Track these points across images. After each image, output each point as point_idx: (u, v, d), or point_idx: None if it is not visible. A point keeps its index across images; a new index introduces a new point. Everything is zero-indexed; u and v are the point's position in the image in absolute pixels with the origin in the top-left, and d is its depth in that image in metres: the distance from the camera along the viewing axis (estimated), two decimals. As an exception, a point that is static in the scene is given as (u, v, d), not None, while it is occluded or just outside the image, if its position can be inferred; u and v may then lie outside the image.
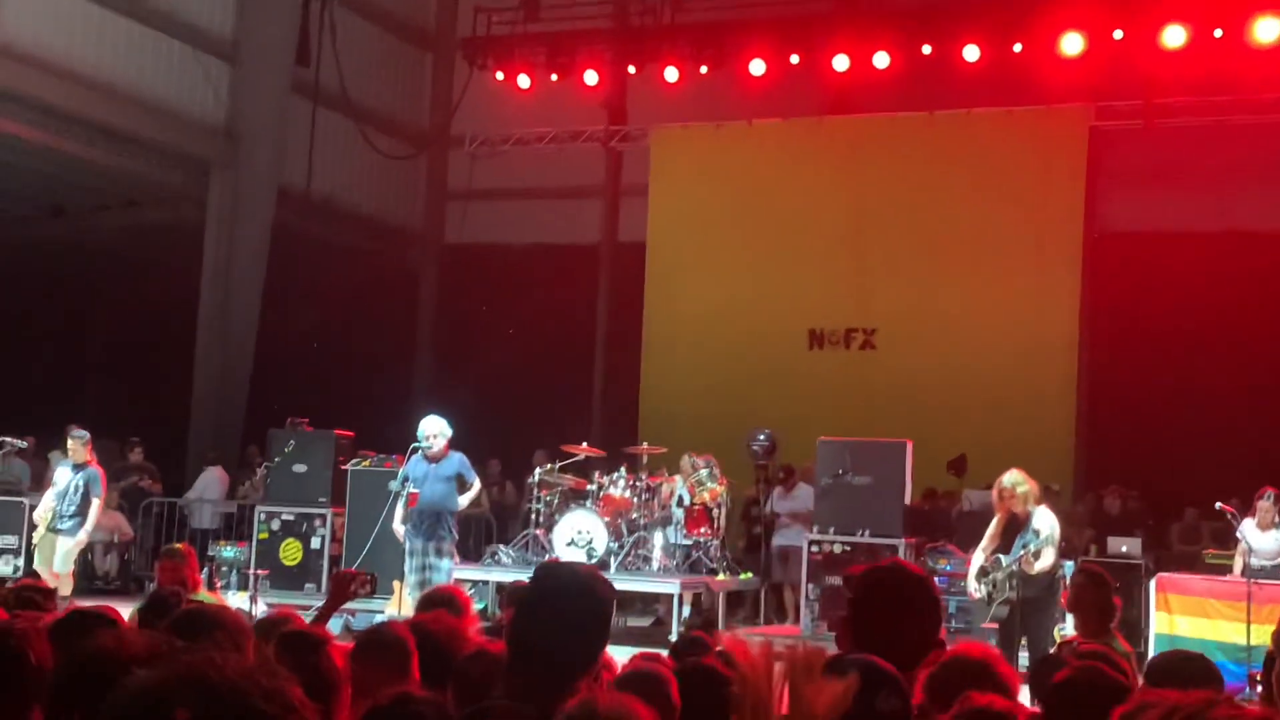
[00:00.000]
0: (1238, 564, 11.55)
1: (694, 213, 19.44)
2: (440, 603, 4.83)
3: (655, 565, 13.50)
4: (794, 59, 17.79)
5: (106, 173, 18.14)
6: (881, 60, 17.32)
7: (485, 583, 13.42)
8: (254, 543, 14.66)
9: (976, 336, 17.52)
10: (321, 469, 14.70)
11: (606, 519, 13.37)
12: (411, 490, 11.19)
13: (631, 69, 19.18)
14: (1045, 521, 9.10)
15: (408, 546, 11.24)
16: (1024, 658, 8.97)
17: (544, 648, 2.87)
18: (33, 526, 12.63)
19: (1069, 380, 17.46)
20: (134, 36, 17.30)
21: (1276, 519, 11.43)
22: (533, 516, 14.23)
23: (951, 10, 17.10)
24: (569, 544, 13.26)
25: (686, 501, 14.14)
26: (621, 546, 13.42)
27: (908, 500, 13.16)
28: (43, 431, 14.89)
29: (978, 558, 9.41)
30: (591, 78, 19.17)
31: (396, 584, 11.73)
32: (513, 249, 21.34)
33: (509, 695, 2.90)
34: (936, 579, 12.63)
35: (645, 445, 14.89)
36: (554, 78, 19.26)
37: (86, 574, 15.81)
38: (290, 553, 14.58)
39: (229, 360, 18.59)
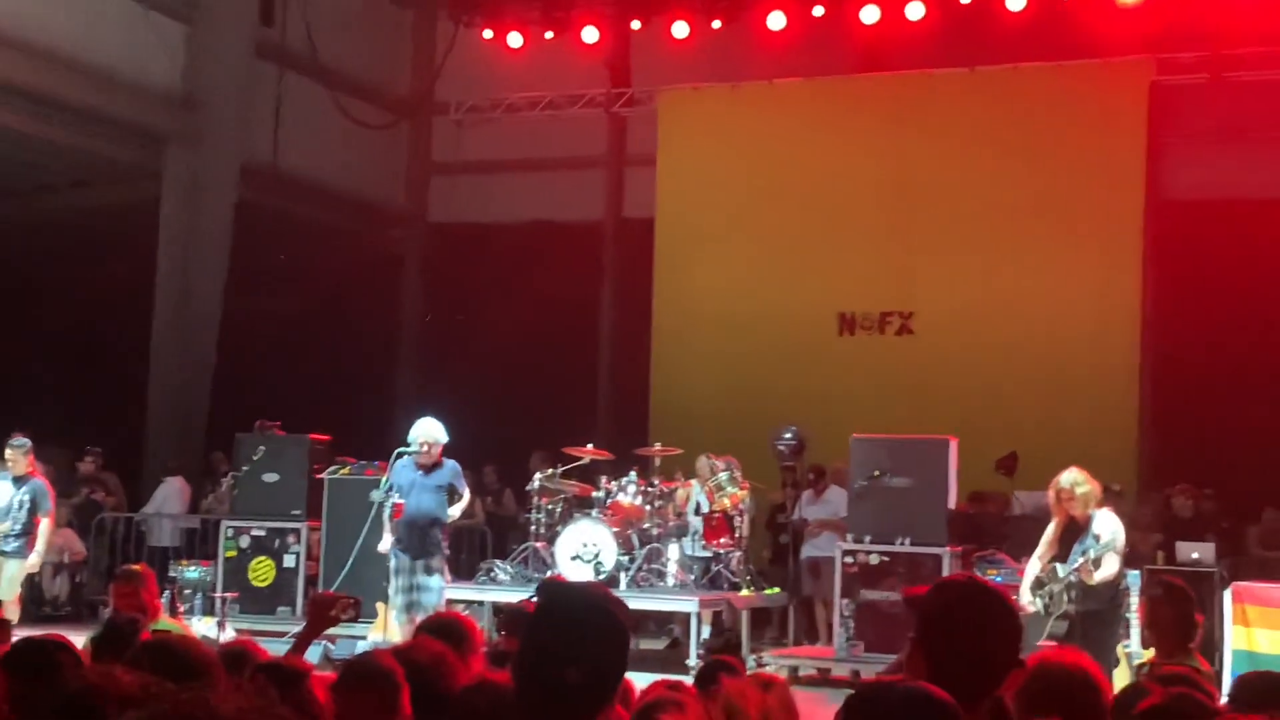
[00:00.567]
0: (1324, 570, 11.52)
1: (708, 184, 19.41)
2: (440, 631, 4.80)
3: (670, 580, 13.51)
4: (818, 10, 17.78)
5: (51, 149, 18.12)
6: (915, 10, 17.30)
7: (481, 603, 13.43)
8: (220, 562, 14.69)
9: (1026, 319, 17.48)
10: (295, 478, 14.73)
11: (615, 529, 13.37)
12: (397, 500, 11.19)
13: (636, 24, 19.17)
14: (1107, 526, 9.09)
15: (393, 564, 11.24)
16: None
17: (555, 678, 2.85)
18: None
19: (1131, 367, 17.42)
20: (79, -3, 17.29)
21: (1367, 519, 11.40)
22: (532, 528, 14.23)
23: (994, -48, 17.08)
24: (574, 558, 13.26)
25: (705, 508, 14.15)
26: (632, 560, 13.42)
27: (952, 504, 13.14)
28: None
29: (1032, 567, 9.40)
30: (591, 35, 19.16)
31: (381, 606, 11.75)
32: (506, 228, 21.32)
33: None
34: (986, 592, 12.61)
35: (658, 446, 14.90)
36: (549, 36, 19.27)
37: (34, 599, 15.80)
38: (261, 572, 14.60)
39: (190, 356, 18.59)
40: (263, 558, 14.64)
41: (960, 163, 18.06)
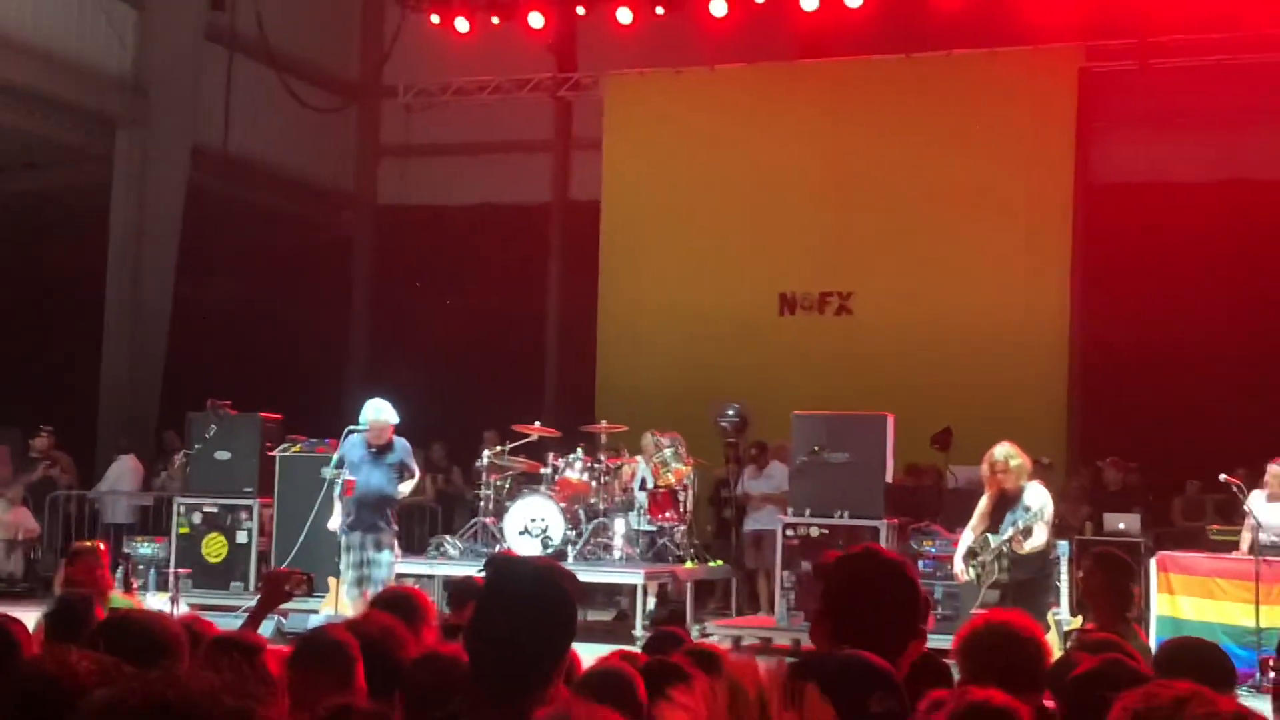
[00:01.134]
0: (1245, 540, 11.67)
1: (652, 167, 19.40)
2: (390, 605, 4.79)
3: (617, 554, 13.54)
4: (759, -2, 17.75)
5: (1, 133, 17.89)
6: (854, -2, 17.32)
7: (431, 577, 13.40)
8: (173, 538, 14.58)
9: (961, 299, 17.59)
10: (247, 456, 14.63)
11: (563, 505, 13.38)
12: (348, 478, 11.13)
13: (580, 10, 19.10)
14: (1037, 498, 9.18)
15: (344, 540, 11.19)
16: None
17: (506, 651, 2.85)
18: None
19: (1061, 345, 17.59)
20: (28, -21, 17.04)
21: (1287, 489, 11.55)
22: (481, 504, 14.21)
23: (930, -58, 17.13)
24: (522, 533, 13.26)
25: (650, 484, 14.17)
26: (579, 534, 13.44)
27: (889, 478, 13.23)
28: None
29: (966, 538, 9.48)
30: (537, 20, 19.06)
31: (333, 581, 11.69)
32: (454, 210, 21.23)
33: (473, 704, 2.88)
34: (921, 562, 12.73)
35: (604, 423, 14.89)
36: (495, 21, 19.16)
37: (-11, 575, 15.71)
38: (214, 548, 14.51)
39: (141, 337, 18.41)
40: (215, 534, 14.54)
41: (897, 147, 18.12)
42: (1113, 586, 6.44)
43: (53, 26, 17.27)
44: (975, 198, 17.78)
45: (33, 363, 19.50)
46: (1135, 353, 17.39)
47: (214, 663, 3.34)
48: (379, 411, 11.15)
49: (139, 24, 18.36)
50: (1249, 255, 16.82)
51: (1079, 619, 9.87)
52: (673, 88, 19.33)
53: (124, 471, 16.89)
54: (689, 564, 13.82)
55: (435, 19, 19.41)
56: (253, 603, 5.80)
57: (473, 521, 14.35)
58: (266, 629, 7.41)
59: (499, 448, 14.50)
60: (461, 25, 19.29)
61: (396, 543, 11.57)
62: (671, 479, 14.08)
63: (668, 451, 14.20)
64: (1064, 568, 11.71)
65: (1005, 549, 9.17)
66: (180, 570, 12.69)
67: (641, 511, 14.03)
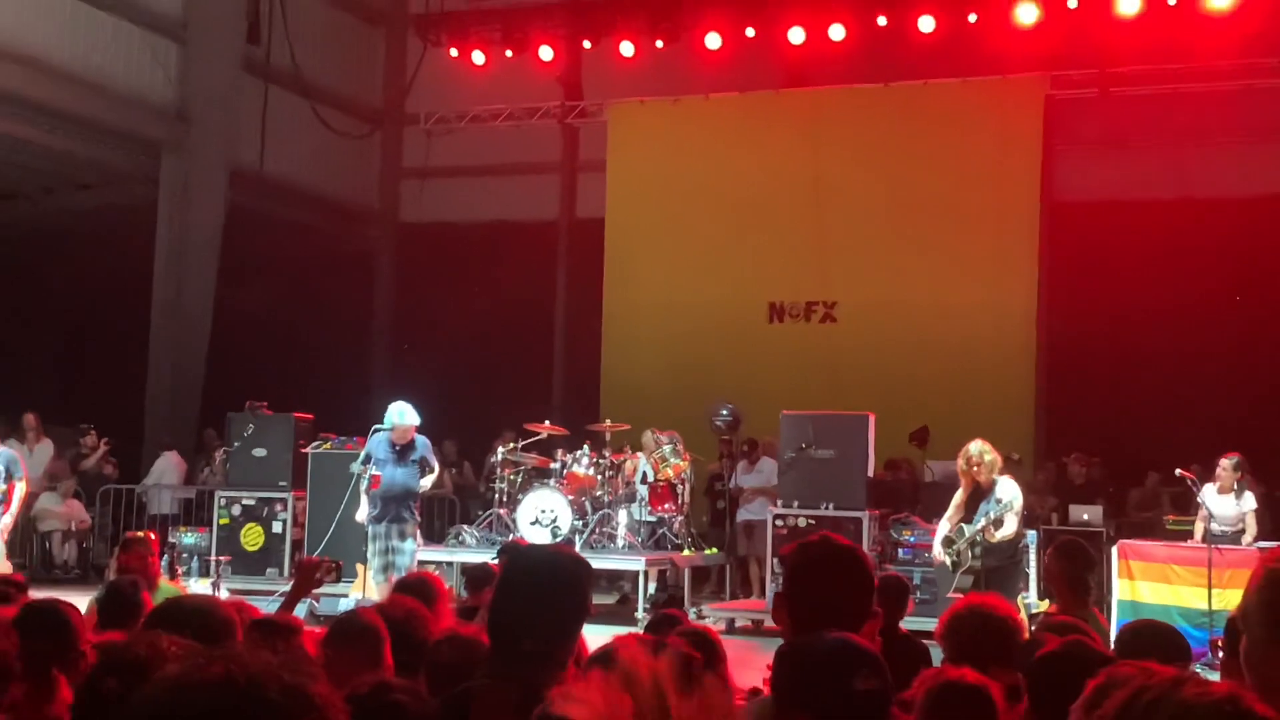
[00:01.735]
0: (1198, 529, 11.68)
1: (652, 187, 19.41)
2: (412, 589, 4.80)
3: (620, 542, 13.54)
4: (750, 32, 17.79)
5: (56, 156, 17.90)
6: (837, 32, 17.36)
7: (450, 564, 13.41)
8: (215, 528, 14.59)
9: (936, 307, 17.59)
10: (281, 452, 14.64)
11: (570, 497, 13.38)
12: (374, 473, 11.14)
13: (586, 44, 19.12)
14: (1008, 490, 9.20)
15: (370, 530, 11.20)
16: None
17: (524, 630, 2.86)
18: None
19: (1029, 349, 17.59)
20: (81, 17, 17.04)
21: (1236, 483, 11.57)
22: (496, 496, 14.21)
23: (907, -19, 17.12)
24: (533, 523, 13.27)
25: (650, 478, 14.18)
26: (586, 524, 13.45)
27: (871, 473, 13.23)
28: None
29: (942, 527, 9.51)
30: (546, 53, 19.09)
31: (360, 567, 11.70)
32: (470, 227, 21.24)
33: (491, 679, 2.90)
34: (900, 550, 12.74)
35: (608, 422, 14.90)
36: (508, 54, 19.19)
37: (45, 563, 15.71)
38: (252, 538, 14.52)
39: (185, 344, 18.42)
40: (253, 524, 14.54)
41: (876, 168, 18.14)
42: (1072, 573, 6.41)
43: (103, 60, 17.30)
44: (949, 214, 17.78)
45: (84, 366, 19.55)
46: (1097, 356, 17.41)
47: (256, 643, 3.36)
48: (403, 415, 11.15)
49: (181, 57, 18.37)
50: (1200, 266, 16.82)
51: (1046, 603, 9.88)
52: (671, 114, 19.34)
53: (168, 467, 16.90)
54: (686, 551, 13.82)
55: (454, 52, 19.45)
56: (287, 588, 5.81)
57: (488, 512, 14.34)
58: (300, 611, 7.43)
59: (512, 445, 14.50)
60: (477, 58, 19.32)
61: (418, 532, 11.58)
62: (670, 473, 14.09)
63: (667, 448, 14.21)
64: (1032, 555, 11.73)
65: (979, 538, 9.19)
66: (221, 558, 12.69)
67: (643, 503, 14.03)
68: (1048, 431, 17.61)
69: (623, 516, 13.69)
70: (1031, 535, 11.71)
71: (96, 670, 2.68)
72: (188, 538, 14.46)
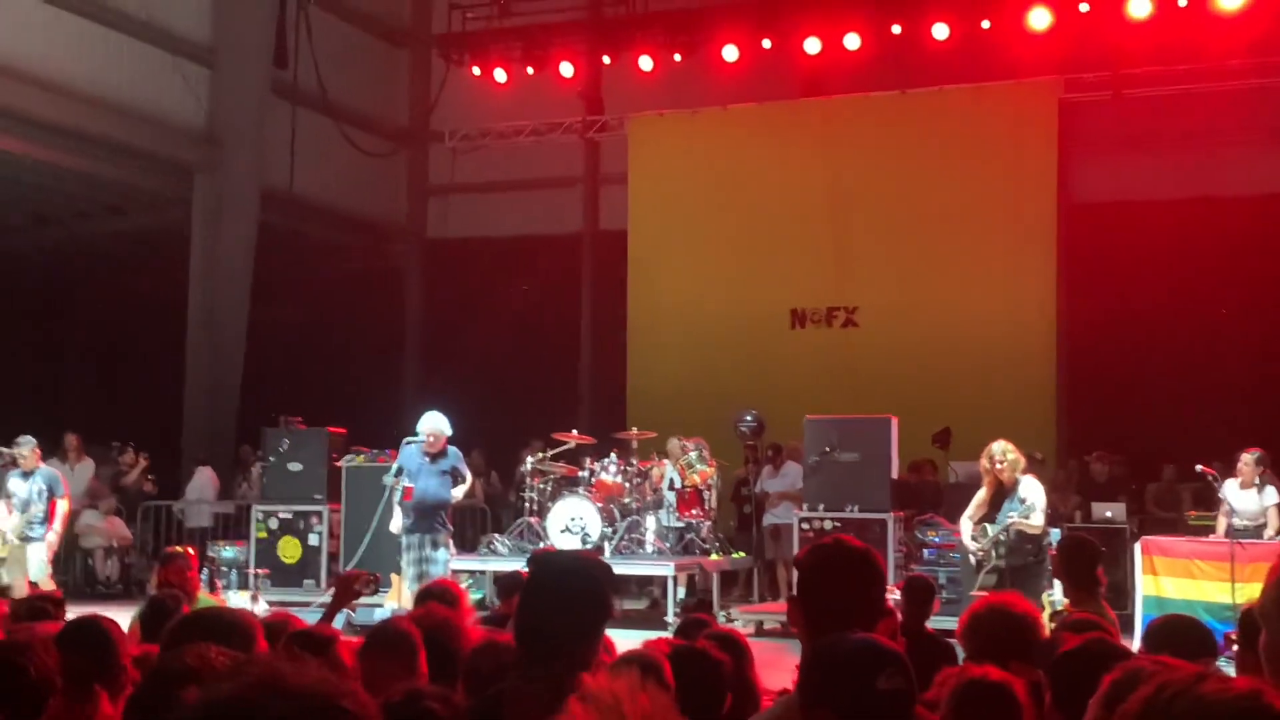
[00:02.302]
0: (1221, 525, 11.60)
1: (673, 198, 19.43)
2: (435, 596, 4.83)
3: (649, 548, 13.54)
4: (766, 43, 17.78)
5: (90, 180, 18.07)
6: (852, 41, 17.33)
7: (483, 573, 13.44)
8: (253, 542, 14.66)
9: (956, 310, 17.55)
10: (316, 466, 14.71)
11: (599, 504, 13.39)
12: (406, 484, 11.18)
13: (606, 59, 19.15)
14: (1031, 490, 9.17)
15: (404, 540, 11.24)
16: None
17: (548, 633, 2.89)
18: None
19: (1048, 349, 17.52)
20: (112, 45, 17.20)
21: (1258, 478, 11.49)
22: (526, 505, 14.23)
23: (920, -11, 17.10)
24: (563, 531, 13.28)
25: (677, 484, 14.17)
26: (615, 531, 13.45)
27: (894, 475, 13.21)
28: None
29: (965, 524, 9.47)
30: (567, 69, 19.14)
31: (395, 577, 11.73)
32: (495, 241, 21.31)
33: (520, 681, 2.92)
34: (925, 551, 12.70)
35: (634, 430, 14.91)
36: (530, 71, 19.24)
37: (88, 580, 15.82)
38: (289, 550, 14.59)
39: (219, 361, 18.54)
40: (290, 537, 14.61)
41: (894, 174, 18.12)
42: (1076, 569, 6.32)
43: (136, 86, 17.44)
44: (967, 218, 17.74)
45: (121, 386, 19.69)
46: (1117, 355, 17.33)
47: (295, 654, 3.38)
48: (435, 422, 11.19)
49: (212, 82, 18.52)
50: (1216, 264, 16.74)
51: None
52: (690, 126, 19.37)
53: (204, 482, 17.01)
54: (714, 556, 13.80)
55: (476, 71, 19.51)
56: (324, 599, 5.86)
57: (519, 521, 14.36)
58: (337, 622, 7.46)
59: (541, 454, 14.52)
60: (500, 76, 19.38)
61: (451, 542, 11.60)
62: (697, 479, 14.09)
63: (693, 454, 14.20)
64: (1056, 553, 11.67)
65: (1002, 537, 9.16)
66: (260, 570, 12.76)
67: (670, 509, 14.03)
68: (1069, 430, 17.53)
69: (651, 523, 13.69)
70: (1055, 533, 11.65)
71: (145, 681, 2.70)
72: (226, 551, 14.53)
